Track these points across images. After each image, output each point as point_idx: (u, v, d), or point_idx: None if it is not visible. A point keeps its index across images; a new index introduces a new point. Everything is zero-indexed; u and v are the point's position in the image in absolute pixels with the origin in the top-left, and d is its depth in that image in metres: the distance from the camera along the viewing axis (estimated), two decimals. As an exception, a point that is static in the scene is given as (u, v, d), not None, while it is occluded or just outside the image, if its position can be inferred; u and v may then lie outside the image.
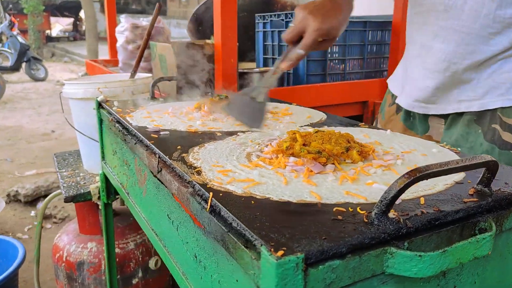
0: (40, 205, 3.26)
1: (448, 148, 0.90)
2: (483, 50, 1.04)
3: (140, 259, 1.73)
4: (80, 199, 1.52)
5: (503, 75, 1.07)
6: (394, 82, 1.36)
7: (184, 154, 0.83)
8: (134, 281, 1.71)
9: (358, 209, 0.59)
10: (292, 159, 0.75)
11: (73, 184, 1.60)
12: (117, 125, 1.14)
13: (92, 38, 11.68)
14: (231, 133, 0.99)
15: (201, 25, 3.07)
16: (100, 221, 1.72)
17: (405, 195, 0.64)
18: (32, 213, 3.33)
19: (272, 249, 0.47)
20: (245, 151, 0.84)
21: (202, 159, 0.79)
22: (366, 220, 0.56)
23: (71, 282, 1.71)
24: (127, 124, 1.07)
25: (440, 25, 1.06)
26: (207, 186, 0.66)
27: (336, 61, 2.27)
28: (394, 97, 1.33)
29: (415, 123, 1.25)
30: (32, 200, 3.47)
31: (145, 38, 1.52)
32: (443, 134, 1.19)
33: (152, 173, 0.91)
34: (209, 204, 0.62)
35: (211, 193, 0.63)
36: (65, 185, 1.60)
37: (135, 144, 0.97)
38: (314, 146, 0.77)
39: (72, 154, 2.00)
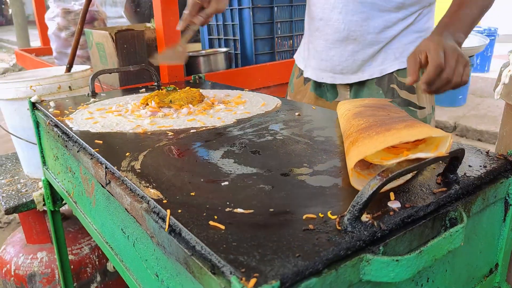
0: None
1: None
2: (378, 16, 1.13)
3: (97, 262, 1.64)
4: (22, 209, 1.39)
5: (398, 44, 1.18)
6: (299, 56, 1.43)
7: (134, 163, 0.75)
8: (93, 287, 1.62)
9: (328, 213, 0.56)
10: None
11: (13, 193, 1.46)
12: (55, 129, 1.03)
13: (20, 23, 10.77)
14: (183, 131, 0.92)
15: (138, 7, 2.90)
16: (49, 228, 1.60)
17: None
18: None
19: (243, 278, 0.43)
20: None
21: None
22: (339, 228, 0.52)
23: (24, 296, 1.59)
24: (67, 129, 0.96)
25: None
26: (163, 201, 0.60)
27: (284, 37, 2.22)
28: (300, 70, 1.40)
29: (324, 91, 1.33)
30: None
31: (78, 27, 1.38)
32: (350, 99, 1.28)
33: (101, 184, 0.83)
34: (167, 223, 0.56)
35: (168, 211, 0.57)
36: (4, 194, 1.45)
37: (78, 152, 0.88)
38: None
39: (9, 158, 1.82)
